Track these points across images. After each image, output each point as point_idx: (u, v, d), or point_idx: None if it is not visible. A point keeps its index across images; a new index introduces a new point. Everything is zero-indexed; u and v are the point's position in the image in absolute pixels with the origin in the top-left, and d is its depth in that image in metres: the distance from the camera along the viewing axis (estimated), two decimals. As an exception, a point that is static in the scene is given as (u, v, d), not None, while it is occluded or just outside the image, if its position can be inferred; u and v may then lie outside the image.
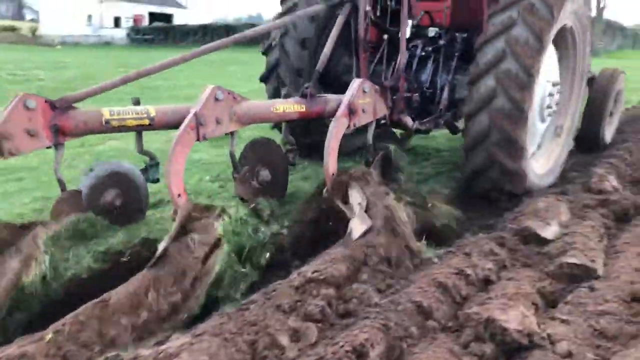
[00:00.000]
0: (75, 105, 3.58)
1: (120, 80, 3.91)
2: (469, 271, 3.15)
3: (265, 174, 4.41)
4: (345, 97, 4.18)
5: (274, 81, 5.66)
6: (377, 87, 4.52)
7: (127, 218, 3.69)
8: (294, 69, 5.38)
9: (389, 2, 5.32)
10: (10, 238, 3.11)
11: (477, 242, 3.58)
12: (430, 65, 5.58)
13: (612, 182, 5.09)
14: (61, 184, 3.58)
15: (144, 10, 62.04)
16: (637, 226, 3.98)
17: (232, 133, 3.93)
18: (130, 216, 3.73)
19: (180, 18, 64.10)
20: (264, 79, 5.82)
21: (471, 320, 2.60)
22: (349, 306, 2.84)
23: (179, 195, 3.40)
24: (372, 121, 4.46)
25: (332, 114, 4.21)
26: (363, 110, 4.29)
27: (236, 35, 4.55)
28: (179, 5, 68.66)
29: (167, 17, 63.50)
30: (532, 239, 3.78)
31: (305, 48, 5.35)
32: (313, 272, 2.94)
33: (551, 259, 3.45)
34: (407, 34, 5.12)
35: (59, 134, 3.48)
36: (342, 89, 4.41)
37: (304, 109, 4.32)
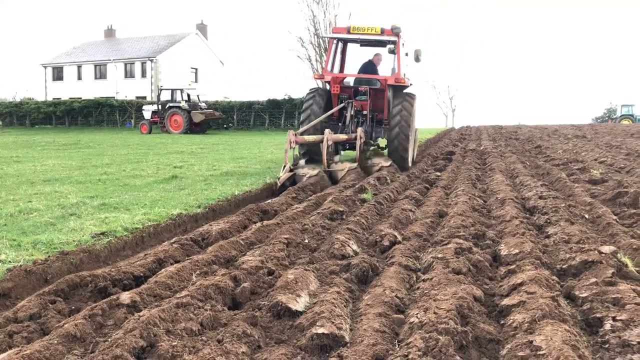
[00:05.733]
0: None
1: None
2: (221, 360, 2.95)
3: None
4: (358, 133, 12.06)
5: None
6: (363, 129, 12.62)
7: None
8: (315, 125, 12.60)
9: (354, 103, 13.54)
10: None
11: (229, 325, 3.43)
12: (366, 124, 13.34)
13: (352, 246, 5.49)
14: (292, 160, 10.98)
15: None
16: (375, 287, 4.26)
17: (327, 144, 11.02)
18: None
19: None
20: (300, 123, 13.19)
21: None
22: None
23: (325, 162, 10.97)
24: (363, 141, 12.45)
25: (354, 138, 12.21)
26: (362, 137, 12.24)
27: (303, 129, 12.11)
28: None
29: None
30: (285, 313, 3.78)
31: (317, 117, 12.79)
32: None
33: (302, 331, 3.46)
34: (353, 113, 13.32)
35: (294, 143, 10.37)
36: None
37: (346, 137, 12.26)
